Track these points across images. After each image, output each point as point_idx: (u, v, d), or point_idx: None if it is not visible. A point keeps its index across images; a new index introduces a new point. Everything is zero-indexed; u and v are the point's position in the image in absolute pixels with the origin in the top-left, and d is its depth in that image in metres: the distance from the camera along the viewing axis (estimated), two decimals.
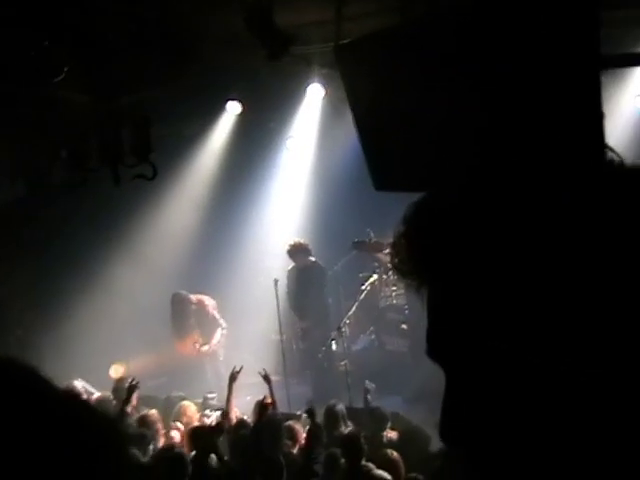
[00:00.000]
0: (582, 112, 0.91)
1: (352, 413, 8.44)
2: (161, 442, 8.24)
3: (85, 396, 9.87)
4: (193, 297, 12.01)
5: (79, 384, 10.13)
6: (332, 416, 7.91)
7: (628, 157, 0.96)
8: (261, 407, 7.88)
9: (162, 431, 8.43)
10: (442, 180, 0.92)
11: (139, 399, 9.54)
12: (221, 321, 11.97)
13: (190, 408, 9.16)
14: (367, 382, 9.07)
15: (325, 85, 11.15)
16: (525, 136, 0.86)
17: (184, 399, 9.48)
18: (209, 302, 11.98)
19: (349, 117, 3.48)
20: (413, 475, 6.27)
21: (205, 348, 11.88)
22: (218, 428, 7.64)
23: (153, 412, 8.73)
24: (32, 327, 11.90)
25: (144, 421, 8.42)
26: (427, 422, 8.21)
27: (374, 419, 7.73)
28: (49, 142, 10.32)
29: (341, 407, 8.27)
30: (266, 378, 8.61)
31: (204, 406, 9.68)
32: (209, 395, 10.03)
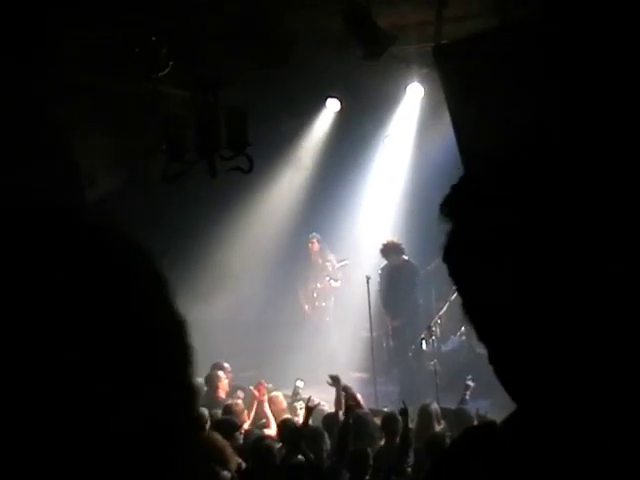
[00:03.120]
0: None
1: (441, 413, 8.43)
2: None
3: None
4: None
5: None
6: (426, 415, 7.92)
7: None
8: (348, 404, 7.93)
9: (248, 421, 8.49)
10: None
11: (232, 386, 9.73)
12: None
13: (279, 398, 9.23)
14: (469, 378, 9.05)
15: (424, 85, 11.13)
16: (610, 147, 0.90)
17: (273, 390, 9.57)
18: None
19: (447, 118, 3.50)
20: None
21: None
22: (306, 422, 7.70)
23: (238, 402, 8.80)
24: None
25: (229, 410, 8.49)
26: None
27: (460, 420, 7.70)
28: (149, 136, 10.60)
29: (435, 407, 8.26)
30: (335, 380, 8.65)
31: (294, 397, 9.74)
32: (298, 384, 10.07)
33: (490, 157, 1.01)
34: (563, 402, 0.96)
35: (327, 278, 12.82)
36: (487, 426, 1.13)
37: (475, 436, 1.11)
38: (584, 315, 0.92)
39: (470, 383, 8.91)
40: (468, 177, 1.02)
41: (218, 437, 6.96)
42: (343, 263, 12.50)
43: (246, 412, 8.62)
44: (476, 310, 1.02)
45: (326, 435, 7.31)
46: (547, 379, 0.98)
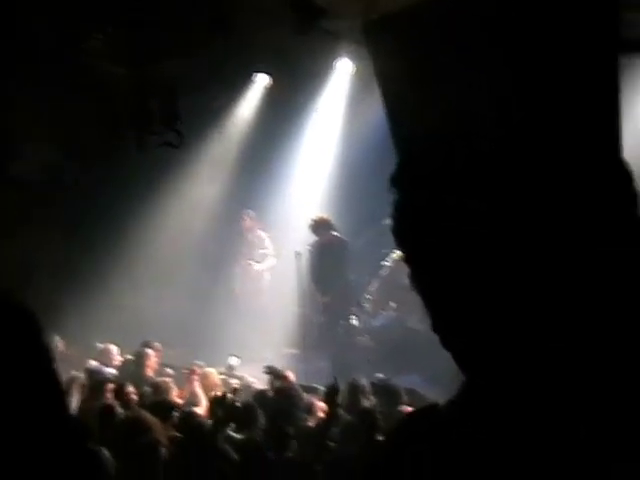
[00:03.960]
0: (598, 100, 0.92)
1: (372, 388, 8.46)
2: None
3: (116, 359, 10.00)
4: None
5: (113, 347, 10.20)
6: (355, 390, 7.95)
7: None
8: (276, 380, 7.91)
9: (179, 400, 8.38)
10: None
11: (160, 365, 9.63)
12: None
13: (212, 375, 9.12)
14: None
15: (354, 60, 11.10)
16: (543, 126, 0.89)
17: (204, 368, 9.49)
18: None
19: (378, 94, 3.47)
20: None
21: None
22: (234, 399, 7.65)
23: (166, 379, 8.70)
24: (64, 292, 12.02)
25: (158, 388, 8.38)
26: (442, 401, 8.24)
27: (390, 395, 7.76)
28: (83, 110, 10.38)
29: (364, 382, 8.29)
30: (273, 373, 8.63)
31: (228, 373, 9.65)
32: (232, 361, 9.97)
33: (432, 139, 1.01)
34: (511, 373, 0.95)
35: (258, 257, 12.82)
36: (429, 409, 1.11)
37: (417, 421, 1.09)
38: (527, 285, 0.92)
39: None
40: (414, 155, 1.02)
41: (147, 414, 6.90)
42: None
43: (176, 390, 8.52)
44: (423, 279, 1.02)
45: (259, 411, 7.28)
46: (494, 349, 0.96)
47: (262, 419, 7.19)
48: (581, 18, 0.94)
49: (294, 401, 7.70)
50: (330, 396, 7.67)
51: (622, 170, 0.94)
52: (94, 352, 10.28)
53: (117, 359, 10.02)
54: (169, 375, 9.23)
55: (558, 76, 0.95)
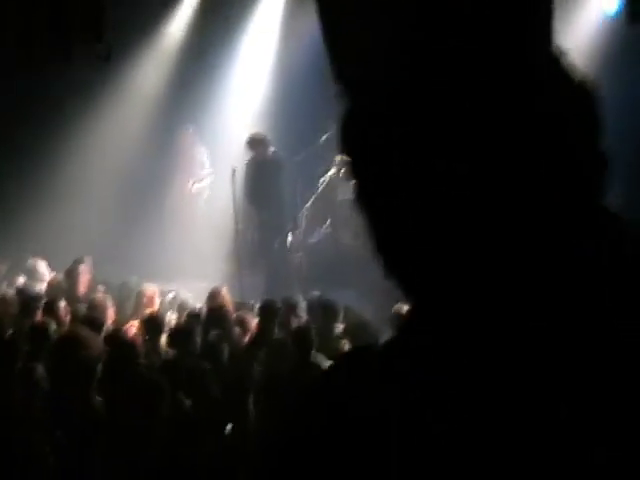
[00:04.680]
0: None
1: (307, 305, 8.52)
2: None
3: (46, 276, 9.86)
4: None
5: (43, 264, 10.06)
6: (287, 308, 7.99)
7: (591, 69, 0.95)
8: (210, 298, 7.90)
9: (113, 318, 8.27)
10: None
11: (92, 282, 9.52)
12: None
13: (150, 290, 8.92)
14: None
15: None
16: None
17: (138, 283, 9.36)
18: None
19: (314, 9, 3.39)
20: None
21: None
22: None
23: (103, 295, 8.56)
24: None
25: (93, 305, 8.23)
26: (377, 317, 8.35)
27: (325, 312, 7.81)
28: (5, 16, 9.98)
29: (295, 299, 8.33)
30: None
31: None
32: (169, 295, 9.60)
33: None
34: (459, 310, 0.91)
35: (198, 175, 12.70)
36: (366, 349, 1.05)
37: (353, 361, 1.03)
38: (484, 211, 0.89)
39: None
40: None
41: (82, 330, 6.85)
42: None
43: (111, 308, 8.38)
44: (371, 194, 0.97)
45: (196, 332, 7.22)
46: (443, 279, 0.92)
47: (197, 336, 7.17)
48: None
49: (226, 318, 7.72)
50: (264, 313, 7.71)
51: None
52: (23, 269, 10.14)
53: (46, 275, 9.90)
54: (100, 292, 9.13)
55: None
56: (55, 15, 7.86)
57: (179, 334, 7.16)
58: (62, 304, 7.97)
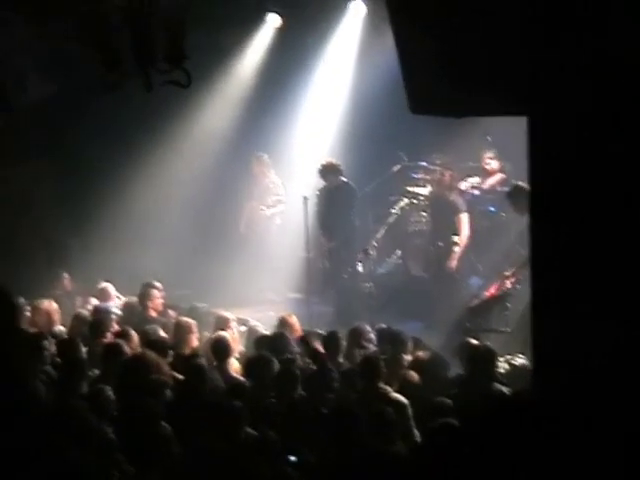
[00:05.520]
0: None
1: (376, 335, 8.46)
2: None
3: (114, 298, 10.04)
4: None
5: (112, 287, 10.23)
6: (356, 336, 7.95)
7: None
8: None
9: (196, 343, 8.24)
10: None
11: (165, 305, 9.62)
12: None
13: (226, 317, 8.89)
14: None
15: (367, 2, 10.93)
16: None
17: (208, 310, 9.44)
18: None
19: (390, 37, 3.38)
20: (440, 399, 6.26)
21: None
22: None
23: (187, 320, 8.51)
24: (60, 228, 12.03)
25: (178, 328, 8.20)
26: (446, 349, 8.26)
27: (395, 342, 7.76)
28: (82, 42, 10.21)
29: (366, 328, 8.28)
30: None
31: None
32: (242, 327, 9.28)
33: None
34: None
35: (271, 202, 12.75)
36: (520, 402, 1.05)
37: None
38: None
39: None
40: None
41: (152, 354, 6.92)
42: None
43: (195, 334, 8.33)
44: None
45: (275, 362, 7.16)
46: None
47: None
48: None
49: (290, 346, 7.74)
50: (328, 344, 7.70)
51: None
52: (95, 290, 10.31)
53: (114, 297, 10.05)
54: (171, 317, 9.21)
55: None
56: (138, 42, 7.99)
57: (252, 364, 7.14)
58: (133, 331, 8.02)
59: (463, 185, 11.68)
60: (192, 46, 8.24)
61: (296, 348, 7.81)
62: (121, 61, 7.91)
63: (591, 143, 0.84)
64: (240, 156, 12.83)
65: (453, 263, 10.82)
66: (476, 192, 11.75)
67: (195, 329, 8.21)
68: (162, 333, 8.17)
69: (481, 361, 7.04)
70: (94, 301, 10.03)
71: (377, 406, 5.94)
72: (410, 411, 6.34)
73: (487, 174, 11.82)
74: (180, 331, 8.15)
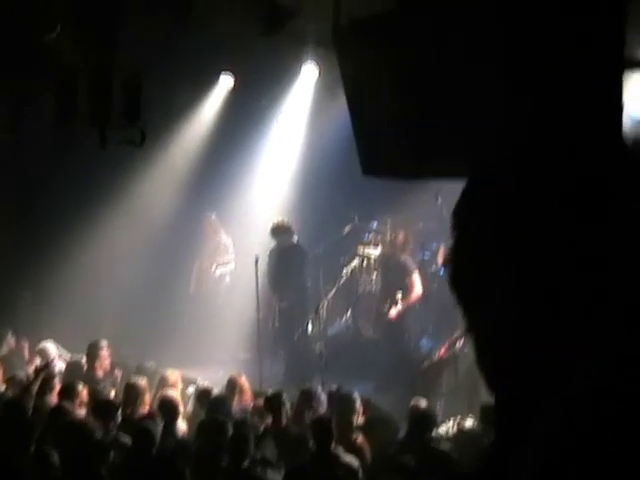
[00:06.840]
0: (603, 108, 0.91)
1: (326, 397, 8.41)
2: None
3: (58, 359, 9.87)
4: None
5: (52, 347, 10.11)
6: (307, 398, 7.89)
7: None
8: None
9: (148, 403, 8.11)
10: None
11: (112, 364, 9.49)
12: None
13: (173, 376, 8.80)
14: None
15: (320, 65, 11.07)
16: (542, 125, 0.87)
17: (154, 368, 9.31)
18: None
19: (342, 99, 3.43)
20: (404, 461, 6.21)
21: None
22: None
23: (143, 381, 8.38)
24: (11, 284, 11.87)
25: (131, 389, 8.05)
26: (397, 410, 8.23)
27: (344, 404, 7.71)
28: (39, 97, 10.23)
29: (317, 389, 8.22)
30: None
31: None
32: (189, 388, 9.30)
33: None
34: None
35: (221, 261, 12.74)
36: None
37: None
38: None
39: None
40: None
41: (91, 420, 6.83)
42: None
43: (148, 394, 8.19)
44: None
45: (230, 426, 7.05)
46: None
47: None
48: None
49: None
50: (270, 405, 7.62)
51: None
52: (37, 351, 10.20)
53: (55, 357, 9.87)
54: (117, 376, 9.10)
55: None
56: (94, 99, 8.01)
57: (205, 427, 7.04)
58: (80, 387, 7.90)
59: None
60: (145, 104, 8.29)
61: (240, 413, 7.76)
62: (77, 117, 7.93)
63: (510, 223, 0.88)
64: (192, 215, 12.83)
65: (393, 313, 10.74)
66: (427, 254, 11.83)
67: (146, 391, 8.09)
68: (112, 393, 8.07)
69: (420, 423, 7.06)
70: (38, 361, 9.87)
71: (329, 470, 5.88)
72: (360, 473, 6.29)
73: None
74: (131, 393, 8.02)
